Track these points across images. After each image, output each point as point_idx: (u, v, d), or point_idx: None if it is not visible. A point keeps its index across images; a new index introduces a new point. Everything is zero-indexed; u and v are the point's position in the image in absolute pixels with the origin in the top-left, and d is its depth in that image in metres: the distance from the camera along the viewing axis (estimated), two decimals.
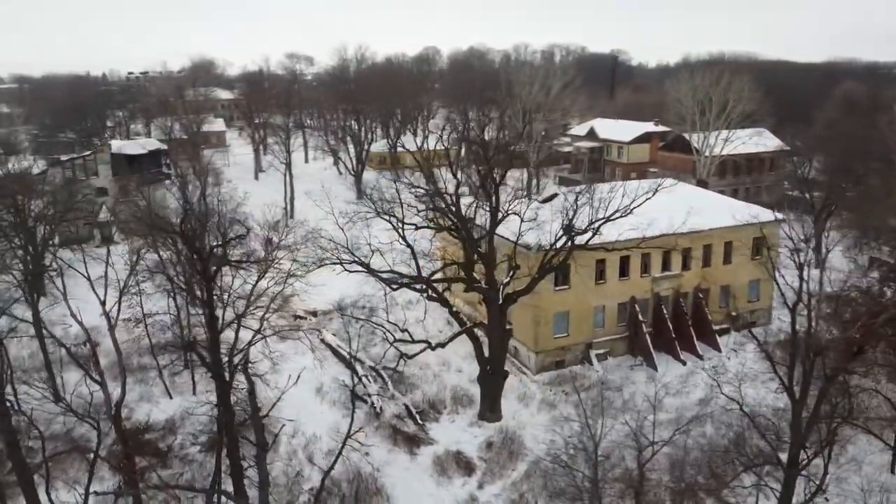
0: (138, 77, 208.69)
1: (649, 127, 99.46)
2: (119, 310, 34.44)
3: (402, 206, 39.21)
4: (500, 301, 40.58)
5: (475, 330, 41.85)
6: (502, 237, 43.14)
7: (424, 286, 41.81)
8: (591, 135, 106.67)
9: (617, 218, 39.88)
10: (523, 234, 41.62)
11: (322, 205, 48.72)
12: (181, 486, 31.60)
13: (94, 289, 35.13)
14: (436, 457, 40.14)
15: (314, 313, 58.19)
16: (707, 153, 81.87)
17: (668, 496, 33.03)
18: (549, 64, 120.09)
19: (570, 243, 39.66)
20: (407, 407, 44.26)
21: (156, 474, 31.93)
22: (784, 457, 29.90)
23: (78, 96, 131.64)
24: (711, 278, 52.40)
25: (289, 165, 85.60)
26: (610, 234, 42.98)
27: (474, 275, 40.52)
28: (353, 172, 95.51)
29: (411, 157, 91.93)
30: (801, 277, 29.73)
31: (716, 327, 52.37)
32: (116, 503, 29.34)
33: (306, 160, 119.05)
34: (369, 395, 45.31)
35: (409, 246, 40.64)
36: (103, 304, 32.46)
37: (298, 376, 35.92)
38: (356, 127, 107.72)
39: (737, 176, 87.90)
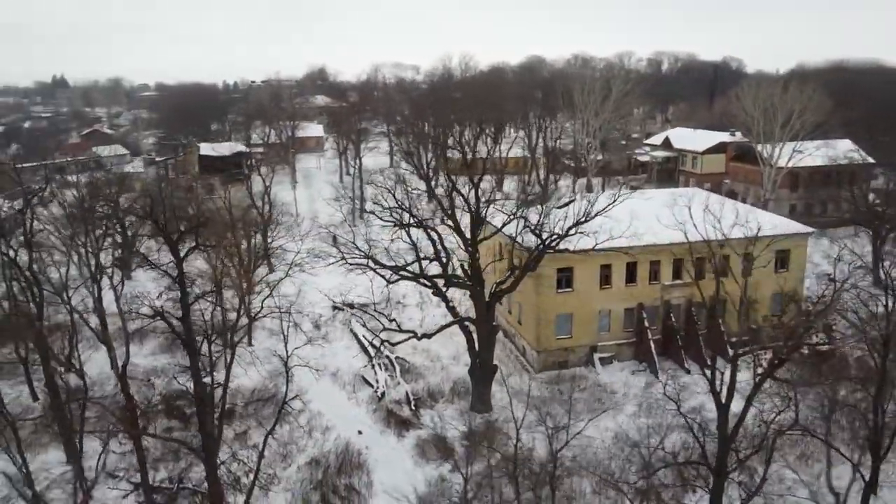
0: (258, 85, 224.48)
1: (724, 137, 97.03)
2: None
3: (409, 207, 42.46)
4: (487, 298, 43.05)
5: (470, 325, 44.48)
6: (510, 237, 45.66)
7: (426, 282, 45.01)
8: (666, 144, 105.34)
9: (579, 224, 41.24)
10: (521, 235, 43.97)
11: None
12: (172, 439, 36.52)
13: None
14: (420, 440, 43.15)
15: (351, 305, 62.68)
16: (773, 164, 79.43)
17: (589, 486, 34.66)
18: (610, 72, 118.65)
19: (541, 247, 41.46)
20: (407, 394, 47.57)
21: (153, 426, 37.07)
22: None
23: (198, 103, 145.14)
24: (728, 290, 51.85)
25: (359, 169, 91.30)
26: (609, 242, 44.68)
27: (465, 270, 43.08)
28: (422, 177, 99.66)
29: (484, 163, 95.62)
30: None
31: (734, 339, 51.83)
32: (108, 443, 34.66)
33: (391, 164, 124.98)
34: (377, 381, 49.09)
35: (413, 245, 44.05)
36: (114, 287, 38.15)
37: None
38: (438, 133, 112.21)
39: (809, 188, 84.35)
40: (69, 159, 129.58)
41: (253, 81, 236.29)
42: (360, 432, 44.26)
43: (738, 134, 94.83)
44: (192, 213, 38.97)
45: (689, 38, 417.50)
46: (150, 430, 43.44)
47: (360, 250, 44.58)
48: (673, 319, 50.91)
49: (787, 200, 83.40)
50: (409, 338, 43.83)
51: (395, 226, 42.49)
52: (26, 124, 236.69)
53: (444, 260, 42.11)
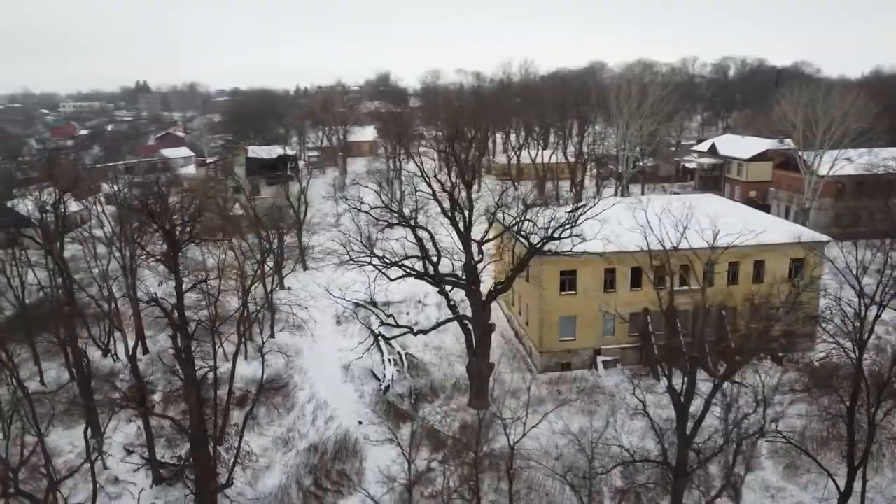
0: (320, 90, 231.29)
1: (771, 144, 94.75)
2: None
3: (399, 207, 44.44)
4: (484, 297, 44.41)
5: (469, 324, 45.91)
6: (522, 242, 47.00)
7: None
8: (712, 151, 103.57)
9: (563, 227, 42.12)
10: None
11: None
12: (168, 417, 39.44)
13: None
14: (413, 432, 44.78)
15: (374, 303, 64.91)
16: (814, 172, 77.39)
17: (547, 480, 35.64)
18: (646, 76, 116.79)
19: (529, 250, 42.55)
20: (410, 388, 49.36)
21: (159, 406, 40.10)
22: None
23: (259, 108, 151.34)
24: (739, 298, 51.46)
25: (398, 171, 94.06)
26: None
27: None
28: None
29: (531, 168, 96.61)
30: None
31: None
32: (110, 418, 37.81)
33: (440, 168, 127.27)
34: (384, 375, 51.09)
35: (420, 244, 45.90)
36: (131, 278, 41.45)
37: None
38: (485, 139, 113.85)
39: (858, 198, 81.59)
40: (138, 160, 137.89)
41: (320, 87, 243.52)
42: (360, 422, 46.30)
43: (789, 141, 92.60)
44: (192, 210, 41.36)
45: (762, 42, 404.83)
46: (172, 412, 47.04)
47: (366, 248, 46.71)
48: (679, 325, 50.77)
49: (830, 210, 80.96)
50: (405, 333, 45.56)
51: (388, 225, 44.43)
52: (109, 127, 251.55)
53: (435, 259, 43.60)
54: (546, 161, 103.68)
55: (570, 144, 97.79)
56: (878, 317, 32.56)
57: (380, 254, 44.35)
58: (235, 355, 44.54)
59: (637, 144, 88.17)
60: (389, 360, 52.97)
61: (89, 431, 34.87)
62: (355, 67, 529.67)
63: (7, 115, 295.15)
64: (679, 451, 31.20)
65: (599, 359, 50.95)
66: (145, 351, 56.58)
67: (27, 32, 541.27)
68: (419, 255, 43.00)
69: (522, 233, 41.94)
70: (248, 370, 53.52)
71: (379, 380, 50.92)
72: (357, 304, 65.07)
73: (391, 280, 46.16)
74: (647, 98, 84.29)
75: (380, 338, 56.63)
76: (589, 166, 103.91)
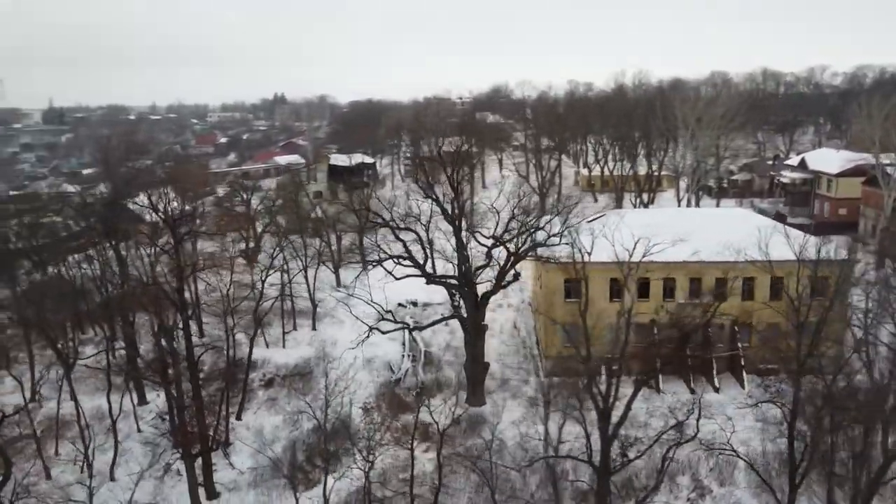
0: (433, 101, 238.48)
1: (861, 159, 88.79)
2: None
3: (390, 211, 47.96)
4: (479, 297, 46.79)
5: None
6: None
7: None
8: (802, 165, 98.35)
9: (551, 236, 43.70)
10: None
11: None
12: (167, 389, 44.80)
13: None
14: (407, 422, 47.86)
15: (415, 303, 68.42)
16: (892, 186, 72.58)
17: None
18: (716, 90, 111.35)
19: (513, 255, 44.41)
20: (418, 383, 52.43)
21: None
22: None
23: (365, 118, 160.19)
24: (753, 314, 50.26)
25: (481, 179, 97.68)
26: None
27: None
28: (538, 192, 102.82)
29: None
30: None
31: (761, 366, 50.17)
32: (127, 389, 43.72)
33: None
34: (399, 368, 54.56)
35: (404, 245, 49.33)
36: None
37: None
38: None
39: None
40: (255, 166, 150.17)
41: (435, 97, 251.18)
42: (362, 409, 49.95)
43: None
44: (193, 206, 46.97)
45: None
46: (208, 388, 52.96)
47: (381, 250, 50.50)
48: (686, 338, 50.37)
49: None
50: (401, 328, 48.71)
51: (375, 225, 48.00)
52: (245, 136, 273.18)
53: (423, 260, 46.45)
54: (628, 173, 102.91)
55: (654, 157, 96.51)
56: None
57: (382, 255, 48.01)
58: (252, 340, 49.61)
59: (707, 157, 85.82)
60: (409, 355, 56.31)
61: (135, 398, 40.50)
62: (480, 79, 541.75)
63: (163, 125, 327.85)
64: (602, 450, 32.25)
65: (604, 367, 51.42)
66: (202, 334, 63.32)
67: (183, 49, 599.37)
68: (404, 255, 45.99)
69: (505, 238, 43.99)
70: (281, 357, 58.95)
71: (394, 372, 54.37)
72: (399, 304, 68.99)
73: (396, 279, 49.50)
74: (717, 109, 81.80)
75: (410, 333, 60.25)
76: (670, 180, 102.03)
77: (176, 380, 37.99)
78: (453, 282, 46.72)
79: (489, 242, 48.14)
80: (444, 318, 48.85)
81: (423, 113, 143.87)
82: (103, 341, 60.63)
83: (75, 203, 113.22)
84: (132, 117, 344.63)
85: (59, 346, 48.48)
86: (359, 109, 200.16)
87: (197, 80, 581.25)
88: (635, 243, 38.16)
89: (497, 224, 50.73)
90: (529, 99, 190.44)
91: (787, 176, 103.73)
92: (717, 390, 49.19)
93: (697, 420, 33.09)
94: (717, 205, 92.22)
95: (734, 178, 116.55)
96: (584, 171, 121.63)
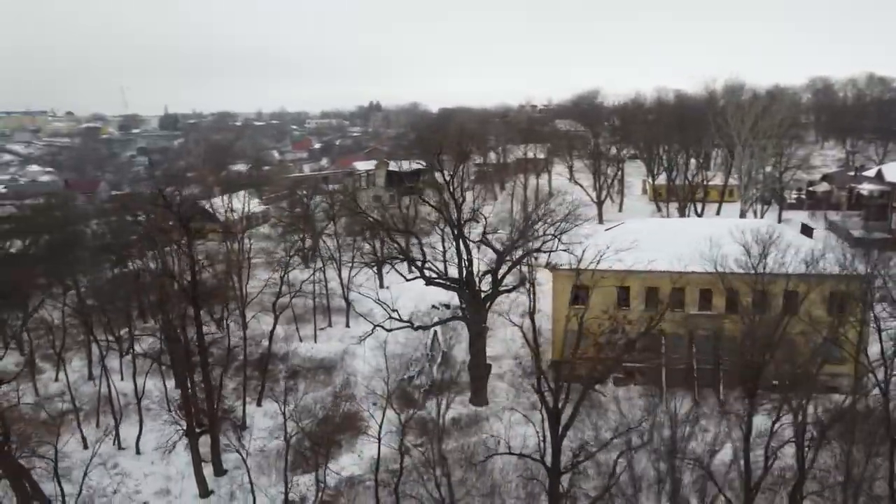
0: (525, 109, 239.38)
1: None
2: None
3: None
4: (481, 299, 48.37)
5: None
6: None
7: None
8: (879, 177, 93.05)
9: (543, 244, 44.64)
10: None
11: None
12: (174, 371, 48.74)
13: None
14: (408, 419, 49.91)
15: (447, 306, 70.40)
16: None
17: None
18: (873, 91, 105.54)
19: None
20: (429, 381, 54.45)
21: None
22: None
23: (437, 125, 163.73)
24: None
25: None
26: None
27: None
28: (596, 201, 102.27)
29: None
30: None
31: (776, 383, 48.86)
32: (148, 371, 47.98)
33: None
34: (414, 365, 56.90)
35: (399, 246, 51.60)
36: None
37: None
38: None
39: None
40: (335, 171, 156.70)
41: (522, 105, 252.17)
42: (374, 404, 52.40)
43: None
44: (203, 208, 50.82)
45: None
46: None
47: (399, 250, 53.08)
48: (693, 350, 49.95)
49: None
50: (404, 327, 50.85)
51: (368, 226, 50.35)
52: (337, 142, 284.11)
53: (420, 262, 48.38)
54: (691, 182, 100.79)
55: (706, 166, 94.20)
56: None
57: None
58: (272, 333, 53.18)
59: (764, 166, 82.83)
60: (429, 354, 58.48)
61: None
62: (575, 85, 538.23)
63: (266, 131, 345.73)
64: (552, 450, 33.20)
65: (612, 374, 51.64)
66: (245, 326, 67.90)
67: (290, 59, 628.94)
68: (399, 256, 48.17)
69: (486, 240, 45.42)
70: (311, 351, 62.55)
71: (409, 368, 56.69)
72: (433, 306, 71.30)
73: (407, 280, 51.82)
74: (770, 118, 78.84)
75: (435, 334, 62.41)
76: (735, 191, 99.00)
77: (184, 364, 41.82)
78: (454, 284, 48.40)
79: (496, 246, 49.70)
80: (447, 320, 50.62)
81: (489, 121, 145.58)
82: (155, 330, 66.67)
83: (160, 203, 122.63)
84: (238, 123, 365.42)
85: (117, 334, 53.85)
86: (443, 116, 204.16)
87: (301, 88, 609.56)
88: (583, 252, 38.86)
89: (512, 230, 52.34)
90: (617, 105, 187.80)
91: (864, 187, 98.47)
92: (721, 404, 48.43)
93: (651, 426, 33.46)
94: (779, 217, 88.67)
95: (811, 188, 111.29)
96: (650, 181, 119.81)
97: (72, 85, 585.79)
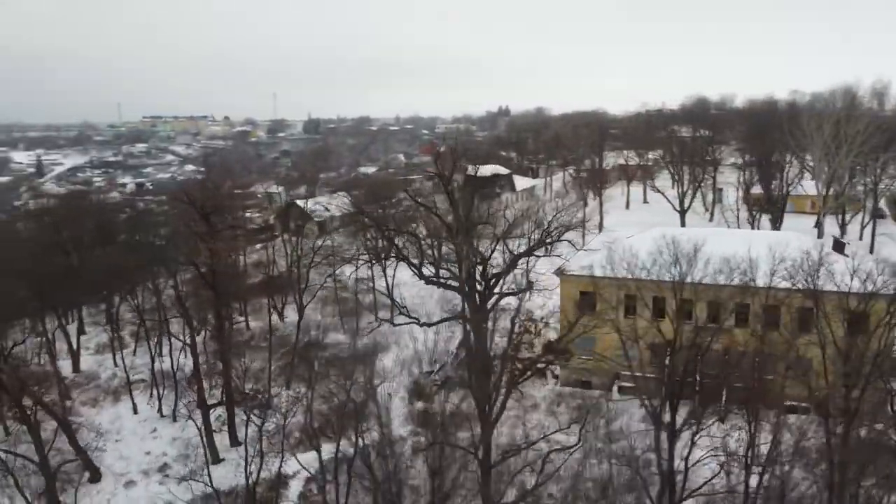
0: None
1: None
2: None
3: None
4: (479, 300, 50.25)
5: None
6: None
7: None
8: None
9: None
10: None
11: None
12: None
13: None
14: (415, 412, 52.72)
15: None
16: None
17: None
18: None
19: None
20: (443, 378, 56.89)
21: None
22: None
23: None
24: (778, 345, 46.92)
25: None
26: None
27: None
28: (679, 209, 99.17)
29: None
30: None
31: (790, 403, 46.82)
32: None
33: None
34: (435, 363, 59.52)
35: (396, 248, 53.98)
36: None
37: None
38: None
39: None
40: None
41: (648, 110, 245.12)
42: (389, 395, 55.63)
43: None
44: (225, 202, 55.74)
45: None
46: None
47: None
48: (698, 363, 48.63)
49: None
50: (410, 323, 53.45)
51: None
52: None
53: (418, 261, 50.71)
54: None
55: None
56: None
57: None
58: (299, 322, 57.81)
59: (843, 177, 77.00)
60: (454, 351, 60.91)
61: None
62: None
63: (399, 135, 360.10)
64: (482, 444, 34.77)
65: (617, 383, 51.54)
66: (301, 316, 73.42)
67: (422, 65, 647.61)
68: (394, 254, 50.78)
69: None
70: (350, 342, 66.82)
71: (433, 365, 59.44)
72: None
73: (421, 279, 54.52)
74: (852, 129, 72.78)
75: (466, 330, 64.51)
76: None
77: (192, 341, 47.29)
78: (453, 283, 50.55)
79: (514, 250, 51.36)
80: (450, 318, 52.73)
81: (581, 126, 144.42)
82: None
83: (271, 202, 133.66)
84: (374, 128, 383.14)
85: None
86: (562, 121, 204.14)
87: (436, 93, 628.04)
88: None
89: (530, 233, 53.79)
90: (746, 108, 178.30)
91: None
92: (721, 420, 47.01)
93: (581, 428, 34.20)
94: (860, 233, 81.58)
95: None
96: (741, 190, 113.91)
97: (230, 92, 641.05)
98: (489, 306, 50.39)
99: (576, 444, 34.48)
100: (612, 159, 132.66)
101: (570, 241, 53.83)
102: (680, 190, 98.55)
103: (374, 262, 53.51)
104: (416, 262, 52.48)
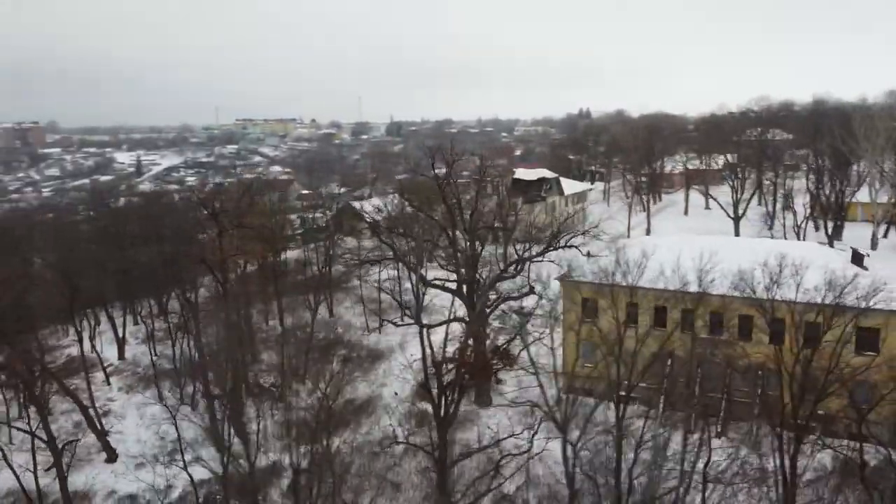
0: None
1: None
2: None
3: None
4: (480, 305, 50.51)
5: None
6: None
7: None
8: None
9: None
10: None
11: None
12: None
13: None
14: (418, 411, 53.37)
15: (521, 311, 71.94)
16: None
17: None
18: None
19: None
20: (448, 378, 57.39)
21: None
22: None
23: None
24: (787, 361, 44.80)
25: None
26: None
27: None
28: (733, 216, 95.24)
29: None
30: None
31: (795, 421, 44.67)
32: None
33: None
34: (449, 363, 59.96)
35: (392, 249, 54.65)
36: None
37: None
38: None
39: None
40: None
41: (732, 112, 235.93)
42: (395, 393, 56.70)
43: None
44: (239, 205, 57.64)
45: None
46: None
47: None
48: (698, 375, 47.22)
49: None
50: (410, 324, 54.14)
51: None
52: (537, 149, 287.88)
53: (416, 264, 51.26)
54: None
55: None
56: None
57: None
58: (314, 316, 59.60)
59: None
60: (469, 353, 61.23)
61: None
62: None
63: (477, 137, 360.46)
64: (439, 445, 35.20)
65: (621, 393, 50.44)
66: (331, 314, 75.55)
67: (505, 66, 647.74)
68: (389, 257, 51.52)
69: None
70: (372, 342, 68.28)
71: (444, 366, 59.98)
72: (503, 311, 73.35)
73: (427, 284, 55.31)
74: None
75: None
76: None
77: (196, 332, 49.78)
78: (451, 286, 50.98)
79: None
80: (451, 320, 53.09)
81: (640, 128, 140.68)
82: None
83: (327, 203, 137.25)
84: (454, 130, 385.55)
85: None
86: (634, 123, 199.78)
87: (517, 93, 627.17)
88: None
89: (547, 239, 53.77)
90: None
91: None
92: (719, 435, 45.44)
93: (533, 435, 34.09)
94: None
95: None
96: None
97: (318, 96, 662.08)
98: (487, 310, 50.63)
99: (525, 451, 34.42)
100: (678, 163, 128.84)
101: (576, 247, 53.14)
102: (735, 196, 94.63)
103: (372, 263, 54.73)
104: (414, 263, 53.23)
